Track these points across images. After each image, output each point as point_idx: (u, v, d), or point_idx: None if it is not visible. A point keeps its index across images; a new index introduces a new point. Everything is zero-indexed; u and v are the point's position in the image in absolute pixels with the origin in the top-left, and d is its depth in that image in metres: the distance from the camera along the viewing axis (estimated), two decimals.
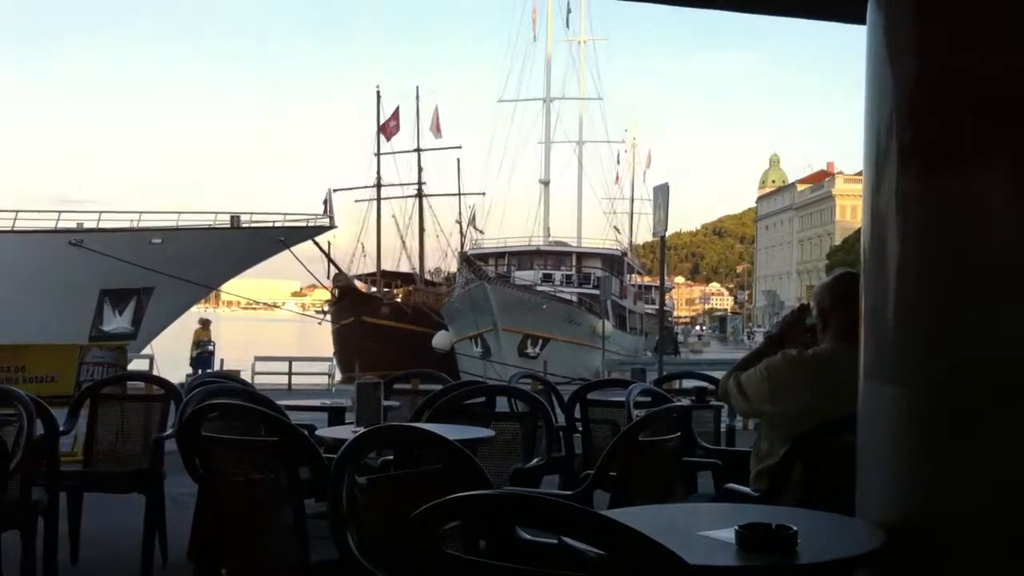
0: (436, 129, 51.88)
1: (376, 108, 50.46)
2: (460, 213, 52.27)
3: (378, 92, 50.38)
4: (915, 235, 2.55)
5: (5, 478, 4.30)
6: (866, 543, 2.36)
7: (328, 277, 44.52)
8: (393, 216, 52.12)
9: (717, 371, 5.54)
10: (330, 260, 43.38)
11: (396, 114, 50.11)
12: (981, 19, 2.49)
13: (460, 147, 55.31)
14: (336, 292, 44.16)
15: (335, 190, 49.85)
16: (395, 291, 46.98)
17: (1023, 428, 2.36)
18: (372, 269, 49.79)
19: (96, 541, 6.00)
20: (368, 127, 52.24)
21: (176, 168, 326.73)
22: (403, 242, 51.80)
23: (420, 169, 51.92)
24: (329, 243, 43.34)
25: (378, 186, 51.08)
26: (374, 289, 46.93)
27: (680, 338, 67.59)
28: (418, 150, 51.83)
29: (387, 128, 49.88)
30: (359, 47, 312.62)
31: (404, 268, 51.78)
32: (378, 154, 50.93)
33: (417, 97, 52.45)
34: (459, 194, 52.73)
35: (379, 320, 42.25)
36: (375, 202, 51.44)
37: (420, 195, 52.02)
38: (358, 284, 46.69)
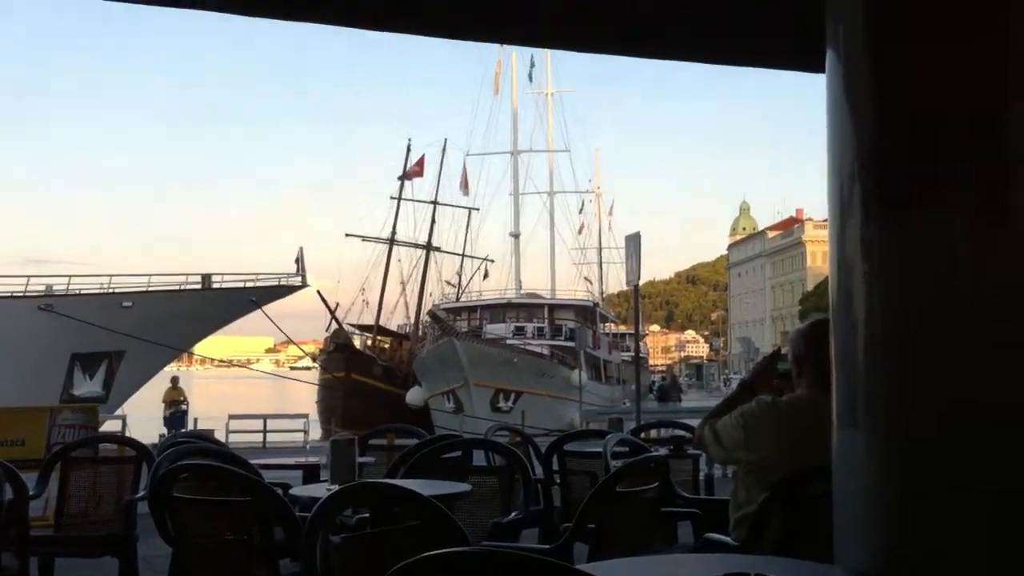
0: (464, 185, 52.41)
1: (404, 159, 50.72)
2: (461, 268, 52.57)
3: (408, 144, 50.93)
4: (881, 281, 2.56)
5: None
6: None
7: (327, 330, 44.36)
8: (401, 266, 51.87)
9: (694, 419, 5.54)
10: (333, 316, 43.39)
11: (421, 161, 50.37)
12: (941, 66, 2.53)
13: (478, 209, 55.76)
14: (332, 345, 43.84)
15: (349, 235, 50.41)
16: (391, 350, 46.67)
17: (997, 471, 2.36)
18: (370, 318, 49.52)
19: None
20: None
21: (150, 228, 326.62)
22: (405, 296, 51.59)
23: (433, 222, 51.86)
24: (336, 304, 43.45)
25: (392, 241, 50.80)
26: (369, 342, 46.69)
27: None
28: (435, 203, 51.83)
29: (411, 172, 49.95)
30: (334, 98, 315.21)
31: (400, 319, 51.63)
32: (397, 205, 50.71)
33: (444, 149, 52.71)
34: (463, 255, 53.11)
35: (369, 380, 41.96)
36: (383, 252, 51.08)
37: (429, 248, 51.86)
38: (355, 338, 46.40)
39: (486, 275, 53.73)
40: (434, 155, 52.15)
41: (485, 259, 55.01)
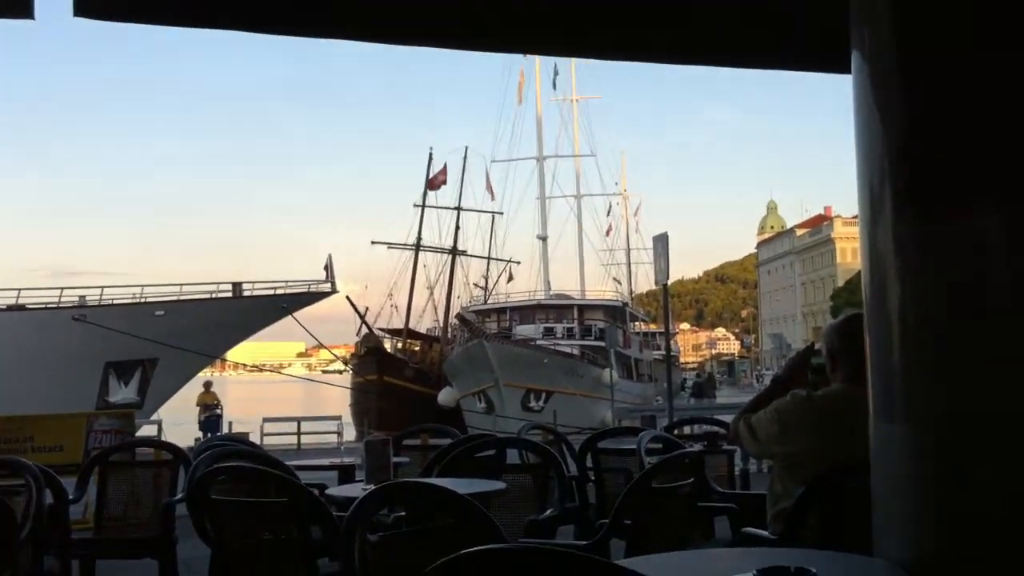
0: (489, 190, 52.66)
1: (426, 170, 51.08)
2: (487, 272, 52.81)
3: (431, 154, 51.32)
4: (914, 278, 2.56)
5: (15, 548, 4.27)
6: None
7: (357, 334, 44.62)
8: (427, 272, 52.20)
9: (728, 415, 5.52)
10: (364, 321, 43.70)
11: (444, 170, 50.75)
12: (966, 65, 2.52)
13: (502, 213, 56.04)
14: (363, 351, 44.12)
15: (375, 242, 50.77)
16: (426, 352, 46.84)
17: None
18: (399, 323, 49.80)
19: None
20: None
21: (183, 238, 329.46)
22: (433, 300, 51.83)
23: (457, 228, 52.18)
24: (367, 308, 43.76)
25: (417, 247, 51.17)
26: (400, 345, 46.88)
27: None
28: (459, 208, 52.10)
29: (435, 181, 50.30)
30: (355, 109, 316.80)
31: (428, 322, 51.90)
32: (422, 212, 51.13)
33: (465, 157, 53.08)
34: (488, 258, 53.32)
35: (401, 382, 42.13)
36: (410, 258, 51.43)
37: (455, 253, 52.12)
38: (385, 342, 46.64)
39: (511, 277, 53.94)
40: (456, 163, 52.56)
41: (510, 261, 55.19)
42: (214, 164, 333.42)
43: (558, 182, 62.22)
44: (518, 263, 55.82)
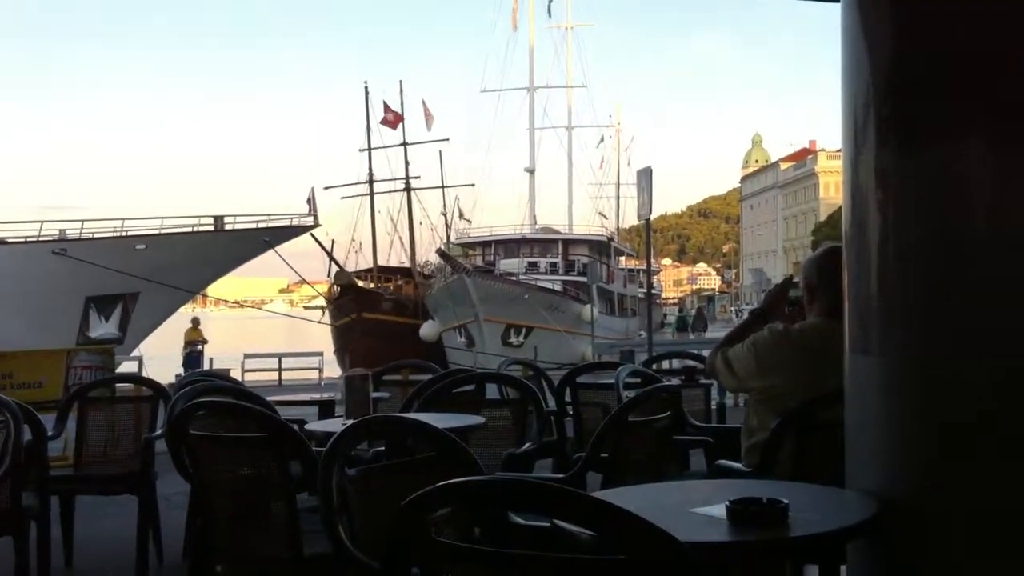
0: (428, 119, 51.75)
1: (365, 103, 50.03)
2: (444, 205, 52.48)
3: (366, 88, 49.99)
4: (895, 209, 2.55)
5: None
6: (857, 514, 2.37)
7: (328, 275, 44.34)
8: (388, 210, 51.64)
9: (705, 350, 5.54)
10: (332, 259, 43.26)
11: (391, 108, 49.81)
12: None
13: (447, 139, 55.32)
14: (337, 289, 43.88)
15: (328, 187, 50.22)
16: (397, 285, 46.59)
17: (1008, 397, 2.37)
18: (366, 265, 49.47)
19: (90, 544, 5.99)
20: (349, 123, 52.15)
21: (159, 172, 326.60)
22: (399, 237, 51.38)
23: (407, 163, 51.57)
24: (333, 241, 43.45)
25: (371, 182, 50.62)
26: (372, 285, 46.63)
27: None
28: (404, 144, 51.45)
29: (389, 121, 49.55)
30: (332, 43, 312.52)
31: (394, 263, 51.58)
32: (369, 149, 50.35)
33: (401, 91, 52.08)
34: (443, 186, 52.80)
35: (381, 316, 41.99)
36: (366, 198, 50.95)
37: (408, 189, 51.66)
38: (359, 283, 46.37)
39: (461, 214, 52.95)
40: (393, 98, 51.51)
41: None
42: (196, 94, 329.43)
43: (548, 115, 61.41)
44: (472, 185, 54.95)
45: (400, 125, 49.98)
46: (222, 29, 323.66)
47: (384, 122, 49.54)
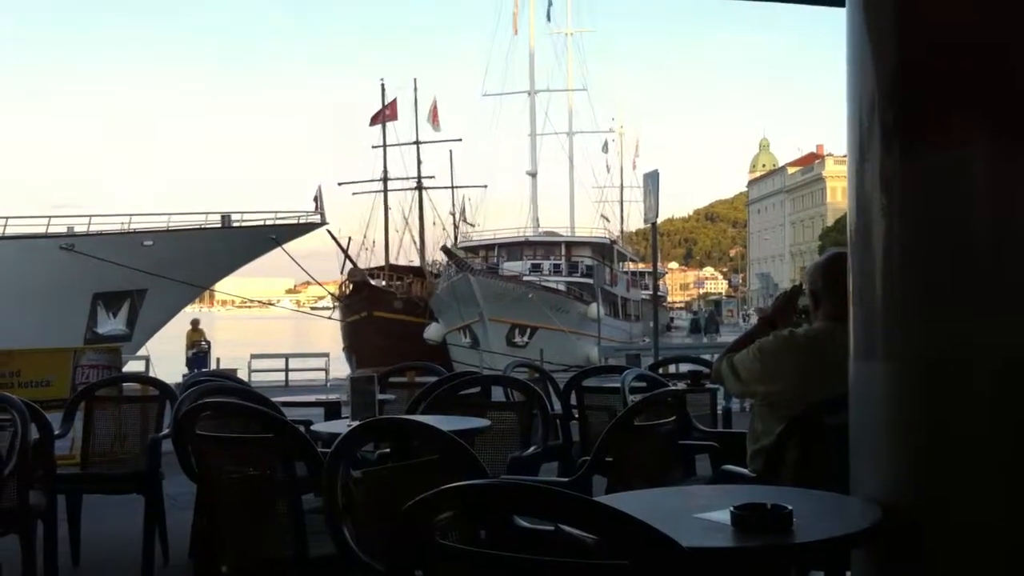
0: (434, 121, 51.71)
1: (381, 101, 50.01)
2: (453, 205, 52.59)
3: (383, 85, 49.96)
4: (900, 214, 2.55)
5: (1, 483, 4.29)
6: (862, 521, 2.37)
7: (341, 272, 44.41)
8: (400, 208, 51.68)
9: (712, 354, 5.54)
10: (347, 256, 43.36)
11: (393, 104, 49.81)
12: (959, 2, 2.51)
13: (460, 139, 55.37)
14: (349, 287, 43.89)
15: (342, 183, 50.34)
16: (409, 283, 46.59)
17: (1013, 403, 2.36)
18: (376, 263, 49.45)
19: (96, 543, 6.00)
20: (361, 121, 52.12)
21: (168, 170, 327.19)
22: (411, 236, 51.39)
23: (419, 162, 51.66)
24: (350, 239, 43.55)
25: (384, 179, 50.72)
26: (384, 284, 46.64)
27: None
28: (417, 143, 51.51)
29: (380, 117, 49.59)
30: (340, 45, 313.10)
31: (403, 261, 51.58)
32: (384, 146, 50.44)
33: (415, 89, 52.11)
34: (453, 187, 52.89)
35: (391, 315, 41.95)
36: (379, 196, 50.94)
37: (420, 188, 51.71)
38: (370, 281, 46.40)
39: (463, 216, 53.09)
40: (407, 96, 51.58)
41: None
42: (209, 93, 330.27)
43: (550, 119, 61.49)
44: (485, 187, 55.07)
45: (393, 120, 49.95)
46: (226, 29, 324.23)
47: (376, 118, 49.56)
